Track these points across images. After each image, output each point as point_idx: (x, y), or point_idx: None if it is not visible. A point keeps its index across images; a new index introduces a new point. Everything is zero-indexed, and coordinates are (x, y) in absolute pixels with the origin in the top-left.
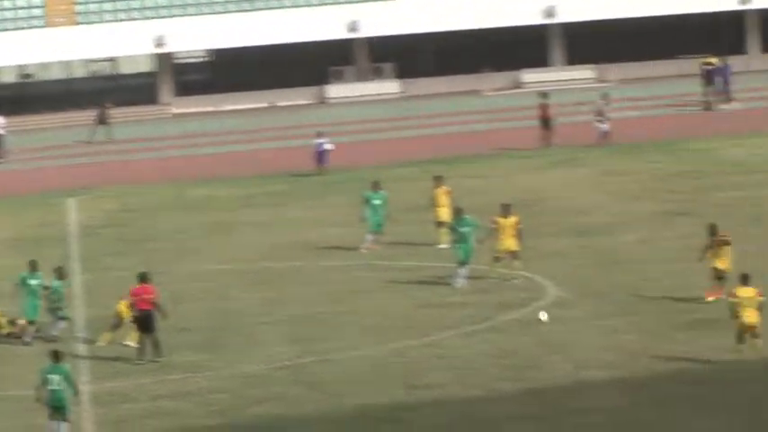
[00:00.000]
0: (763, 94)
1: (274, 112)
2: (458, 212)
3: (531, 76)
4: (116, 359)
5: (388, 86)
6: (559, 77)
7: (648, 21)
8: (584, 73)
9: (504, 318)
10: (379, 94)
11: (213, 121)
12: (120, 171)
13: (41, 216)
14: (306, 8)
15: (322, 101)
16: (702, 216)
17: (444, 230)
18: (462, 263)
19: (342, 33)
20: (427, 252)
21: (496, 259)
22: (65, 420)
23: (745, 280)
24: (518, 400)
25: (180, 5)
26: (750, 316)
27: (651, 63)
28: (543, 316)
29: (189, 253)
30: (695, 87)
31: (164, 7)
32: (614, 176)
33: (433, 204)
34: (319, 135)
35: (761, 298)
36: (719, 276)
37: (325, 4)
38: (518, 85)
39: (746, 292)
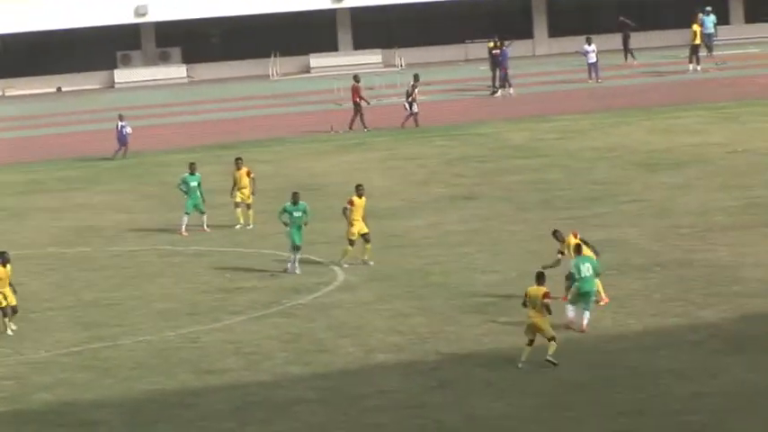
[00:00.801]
0: (546, 79)
1: (62, 97)
2: (294, 196)
3: (319, 60)
4: None
5: (176, 71)
6: (347, 62)
7: (437, 6)
8: (372, 58)
9: (292, 302)
10: (166, 79)
11: None
12: None
13: None
14: None
15: (111, 86)
16: (489, 199)
17: (242, 211)
18: (296, 248)
19: (129, 18)
20: (219, 236)
21: (351, 242)
22: None
23: (539, 279)
24: (307, 384)
25: None
26: (535, 316)
27: (440, 48)
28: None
29: None
30: (484, 72)
31: None
32: (402, 161)
33: (236, 186)
34: (121, 118)
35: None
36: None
37: None
38: (306, 69)
39: (537, 291)
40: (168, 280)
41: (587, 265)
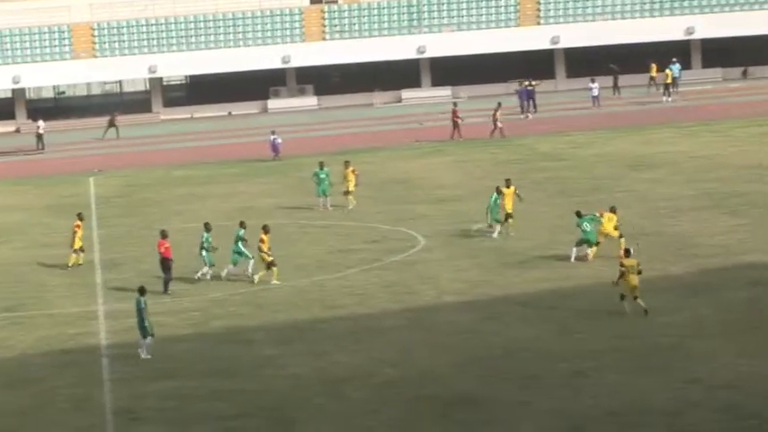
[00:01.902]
0: (564, 107)
1: (232, 119)
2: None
3: (407, 93)
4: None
5: (309, 101)
6: (427, 95)
7: (488, 56)
8: (444, 92)
9: (389, 260)
10: (303, 107)
11: (189, 125)
12: (125, 159)
13: (71, 190)
14: (253, 47)
15: (265, 111)
16: (524, 189)
17: (350, 197)
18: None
19: (278, 64)
20: (338, 214)
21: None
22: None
23: (628, 253)
24: (399, 315)
25: (166, 45)
26: (633, 279)
27: (490, 85)
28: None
29: (174, 214)
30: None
31: (155, 45)
32: (465, 163)
33: (345, 179)
34: (273, 132)
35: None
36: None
37: (266, 44)
38: (399, 99)
39: (630, 261)
40: (304, 244)
41: (586, 224)
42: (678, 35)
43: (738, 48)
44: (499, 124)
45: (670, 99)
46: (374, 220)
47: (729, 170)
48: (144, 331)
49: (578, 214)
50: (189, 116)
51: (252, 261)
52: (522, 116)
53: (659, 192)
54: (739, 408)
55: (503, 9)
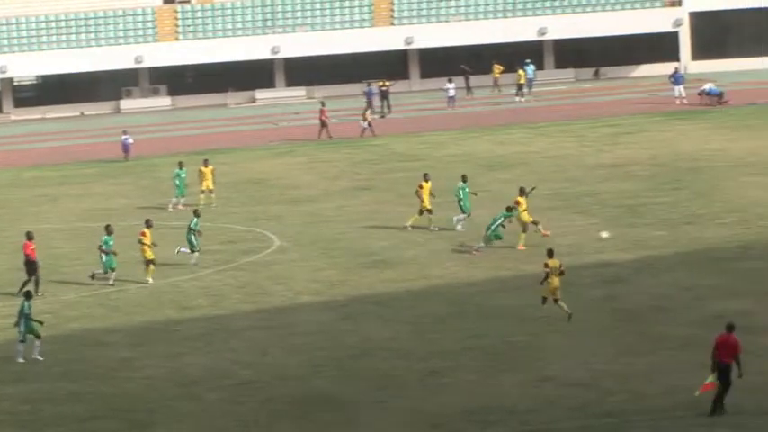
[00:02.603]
0: (419, 107)
1: (84, 119)
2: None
3: (261, 94)
4: None
5: (163, 101)
6: (281, 95)
7: (343, 56)
8: (298, 92)
9: (243, 260)
10: (156, 107)
11: (41, 125)
12: None
13: None
14: (106, 47)
15: (118, 111)
16: (380, 190)
17: (212, 195)
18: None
19: (130, 64)
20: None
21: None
22: None
23: (551, 253)
24: (254, 316)
25: (17, 45)
26: (555, 281)
27: (344, 85)
28: (605, 234)
29: (26, 216)
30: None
31: (5, 45)
32: (320, 163)
33: (203, 178)
34: (125, 132)
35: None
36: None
37: (119, 44)
38: (253, 100)
39: (554, 262)
40: (160, 245)
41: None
42: (531, 36)
43: (590, 48)
44: (365, 124)
45: (523, 99)
46: (229, 220)
47: (581, 170)
48: (26, 335)
49: (509, 209)
50: (41, 117)
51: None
52: (373, 117)
53: (513, 192)
54: (594, 406)
55: (357, 9)
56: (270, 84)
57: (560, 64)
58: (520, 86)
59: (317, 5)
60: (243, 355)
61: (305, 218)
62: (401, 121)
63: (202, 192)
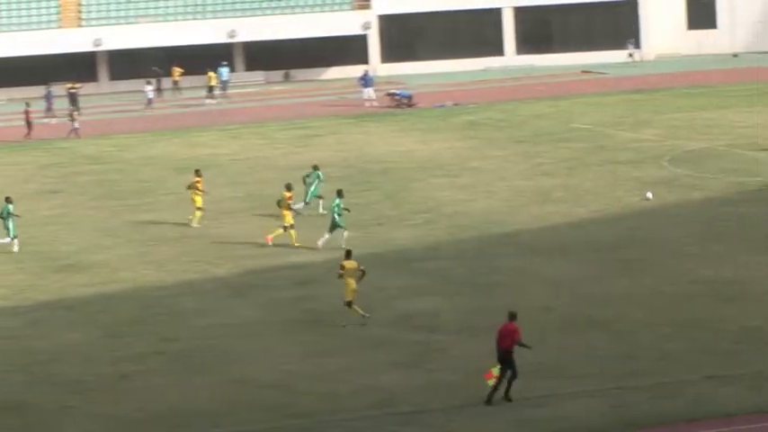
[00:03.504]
0: (108, 110)
1: None
2: None
3: None
4: None
5: None
6: None
7: (28, 58)
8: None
9: None
10: None
11: None
12: None
13: None
14: None
15: None
16: (69, 193)
17: None
18: None
19: None
20: None
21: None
22: None
23: (349, 255)
24: None
25: None
26: (351, 283)
27: (30, 87)
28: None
29: None
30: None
31: None
32: (6, 166)
33: None
34: None
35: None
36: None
37: None
38: None
39: (351, 264)
40: None
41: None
42: (221, 38)
43: (281, 51)
44: (76, 125)
45: (214, 101)
46: None
47: (273, 172)
48: None
49: (339, 194)
50: None
51: None
52: (46, 120)
53: (219, 193)
54: (286, 407)
55: (44, 10)
56: None
57: (251, 66)
58: (211, 89)
59: (3, 5)
60: None
61: None
62: (90, 123)
63: None
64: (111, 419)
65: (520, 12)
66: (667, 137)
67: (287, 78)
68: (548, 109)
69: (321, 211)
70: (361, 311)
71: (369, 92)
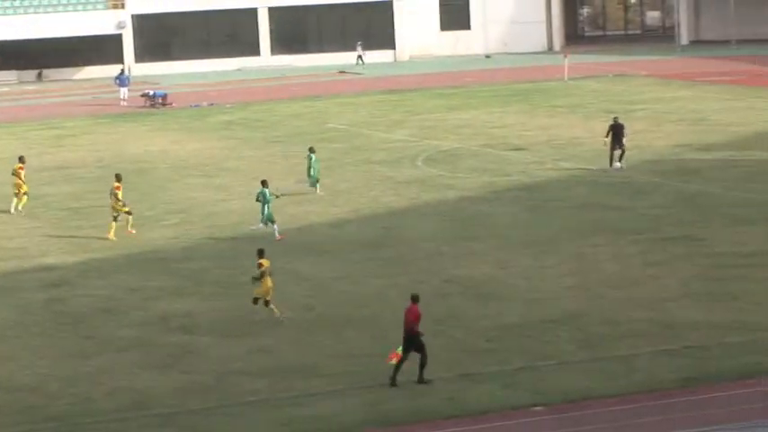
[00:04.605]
0: None
1: None
2: None
3: None
4: None
5: None
6: None
7: None
8: None
9: None
10: None
11: None
12: None
13: None
14: None
15: None
16: None
17: None
18: None
19: None
20: None
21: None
22: None
23: (262, 253)
24: None
25: None
26: (268, 281)
27: None
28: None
29: None
30: None
31: None
32: None
33: None
34: None
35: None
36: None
37: None
38: None
39: (267, 262)
40: None
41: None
42: None
43: (34, 50)
44: None
45: None
46: None
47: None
48: None
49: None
50: None
51: None
52: None
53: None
54: (39, 410)
55: None
56: None
57: (3, 65)
58: None
59: None
60: None
61: None
62: None
63: None
64: None
65: (275, 12)
66: (422, 137)
67: (40, 78)
68: (304, 109)
69: (319, 192)
70: (278, 312)
71: (124, 91)
